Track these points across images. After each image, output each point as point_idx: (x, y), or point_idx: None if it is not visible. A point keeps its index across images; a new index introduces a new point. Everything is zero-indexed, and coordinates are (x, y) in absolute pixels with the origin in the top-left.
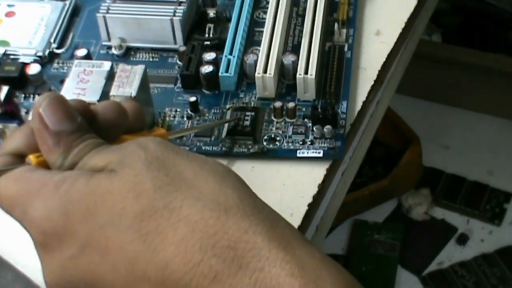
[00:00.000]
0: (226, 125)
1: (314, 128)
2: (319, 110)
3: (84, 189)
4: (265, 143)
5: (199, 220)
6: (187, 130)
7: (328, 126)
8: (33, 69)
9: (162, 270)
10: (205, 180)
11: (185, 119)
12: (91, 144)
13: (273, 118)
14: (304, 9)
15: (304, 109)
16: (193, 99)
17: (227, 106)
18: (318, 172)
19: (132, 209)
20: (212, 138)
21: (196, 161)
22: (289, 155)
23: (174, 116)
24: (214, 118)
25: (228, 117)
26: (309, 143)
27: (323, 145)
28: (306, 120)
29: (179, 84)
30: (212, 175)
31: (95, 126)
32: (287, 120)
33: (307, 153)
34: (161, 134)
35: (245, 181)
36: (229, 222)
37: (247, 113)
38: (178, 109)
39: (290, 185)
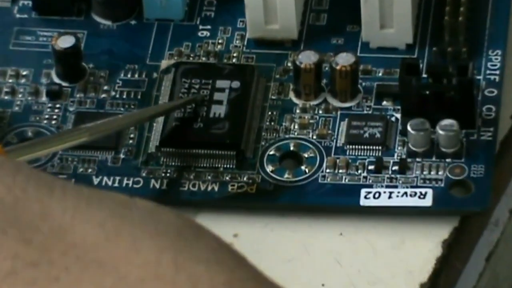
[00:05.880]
0: (161, 119)
1: (409, 127)
2: (424, 75)
3: None
4: (268, 169)
5: None
6: (53, 139)
7: (448, 121)
8: None
9: None
10: (136, 252)
11: (43, 99)
12: None
13: (292, 98)
14: None
15: (380, 73)
16: (66, 42)
17: (163, 64)
18: (420, 251)
19: None
20: (122, 155)
21: (104, 204)
22: (339, 203)
23: (12, 92)
24: (129, 100)
25: (165, 97)
26: (393, 168)
27: (434, 174)
28: (386, 103)
29: (26, 1)
30: (150, 236)
31: None
32: (333, 103)
33: (390, 196)
34: None
35: (237, 251)
36: None
37: (222, 82)
38: (24, 73)
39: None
